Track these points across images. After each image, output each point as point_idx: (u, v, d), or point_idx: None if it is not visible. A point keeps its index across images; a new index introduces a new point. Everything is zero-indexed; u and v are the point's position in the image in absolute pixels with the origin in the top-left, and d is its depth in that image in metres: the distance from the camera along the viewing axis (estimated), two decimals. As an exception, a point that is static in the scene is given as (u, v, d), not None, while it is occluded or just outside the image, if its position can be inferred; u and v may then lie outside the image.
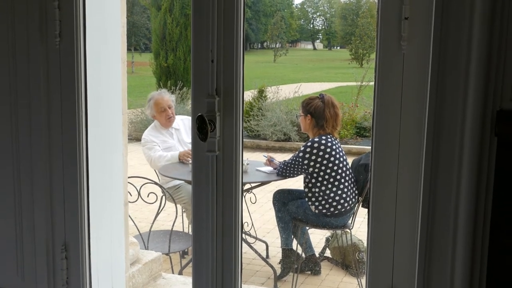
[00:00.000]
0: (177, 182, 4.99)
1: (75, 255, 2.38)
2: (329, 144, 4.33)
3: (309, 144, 4.36)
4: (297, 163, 4.41)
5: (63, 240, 2.39)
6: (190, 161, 4.77)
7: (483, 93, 1.73)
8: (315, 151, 4.31)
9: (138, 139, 8.01)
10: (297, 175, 4.54)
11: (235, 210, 2.18)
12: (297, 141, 9.91)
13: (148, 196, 4.14)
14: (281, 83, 13.01)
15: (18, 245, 2.46)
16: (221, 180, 2.18)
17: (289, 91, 11.56)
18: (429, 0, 1.81)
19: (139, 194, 3.99)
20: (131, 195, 3.66)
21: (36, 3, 2.28)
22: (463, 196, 1.80)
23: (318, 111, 4.45)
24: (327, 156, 4.31)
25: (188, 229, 5.11)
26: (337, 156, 4.35)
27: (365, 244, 4.73)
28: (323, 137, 4.36)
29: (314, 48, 39.76)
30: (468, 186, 1.79)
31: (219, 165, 2.17)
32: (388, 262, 2.02)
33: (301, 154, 4.37)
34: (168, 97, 5.38)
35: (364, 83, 11.45)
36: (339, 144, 4.48)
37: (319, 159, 4.31)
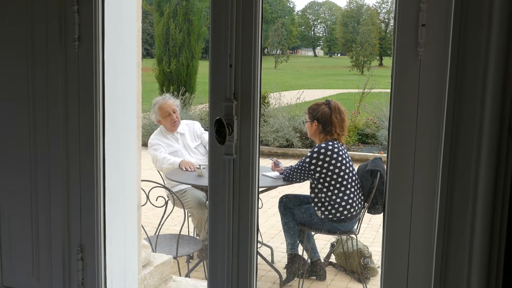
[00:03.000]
0: (183, 186, 5.01)
1: (91, 257, 2.40)
2: (336, 150, 4.36)
3: (315, 149, 4.39)
4: (303, 168, 4.43)
5: (79, 242, 2.41)
6: (189, 170, 4.90)
7: (501, 99, 1.75)
8: (321, 156, 4.34)
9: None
10: (304, 180, 4.56)
11: (251, 213, 2.20)
12: (299, 147, 9.94)
13: (156, 200, 4.17)
14: (282, 90, 13.03)
15: (34, 246, 2.48)
16: (237, 183, 2.20)
17: (291, 98, 11.59)
18: (447, 7, 1.84)
19: (147, 197, 4.01)
20: (140, 199, 3.68)
21: (56, 7, 2.31)
22: (480, 204, 1.82)
23: (325, 116, 4.47)
24: (333, 161, 4.34)
25: (194, 233, 5.13)
26: (344, 161, 4.38)
27: (371, 250, 4.78)
28: (330, 143, 4.38)
29: (315, 55, 39.84)
30: (485, 192, 1.81)
31: (236, 168, 2.19)
32: (403, 269, 2.03)
33: (307, 160, 4.39)
34: (172, 101, 5.40)
35: (366, 90, 11.48)
36: (345, 150, 4.51)
37: (325, 165, 4.33)
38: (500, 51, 1.74)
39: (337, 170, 4.34)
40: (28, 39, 2.36)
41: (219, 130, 2.10)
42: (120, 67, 2.48)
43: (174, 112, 5.29)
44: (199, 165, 4.88)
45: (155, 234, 4.45)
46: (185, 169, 4.99)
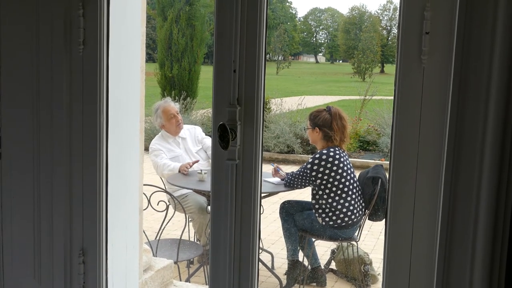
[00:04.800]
0: (184, 191, 5.02)
1: (93, 260, 2.40)
2: (337, 156, 4.37)
3: (317, 156, 4.40)
4: (305, 174, 4.43)
5: (81, 245, 2.41)
6: (188, 170, 4.94)
7: (505, 106, 1.76)
8: (323, 163, 4.34)
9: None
10: (305, 186, 4.57)
11: (253, 218, 2.21)
12: (300, 154, 9.94)
13: (158, 204, 4.17)
14: (284, 96, 13.06)
15: (36, 249, 2.48)
16: (240, 188, 2.20)
17: (292, 104, 11.61)
18: (451, 15, 1.84)
19: (149, 202, 4.02)
20: (141, 203, 3.68)
21: (61, 11, 2.31)
22: (482, 211, 1.82)
23: (325, 123, 4.48)
24: (335, 168, 4.34)
25: (194, 238, 5.13)
26: (345, 168, 4.39)
27: (371, 257, 4.78)
28: (331, 149, 4.39)
29: (317, 61, 39.91)
30: (488, 200, 1.81)
31: (239, 174, 2.20)
32: (404, 276, 2.03)
33: (309, 166, 4.40)
34: (173, 104, 5.43)
35: (367, 97, 11.49)
36: (347, 157, 4.52)
37: (327, 171, 4.34)
38: (504, 59, 1.74)
39: (338, 177, 4.34)
40: (33, 42, 2.37)
41: (222, 135, 2.10)
42: (124, 71, 2.49)
43: (177, 114, 5.32)
44: (201, 170, 4.90)
45: (156, 238, 4.45)
46: (185, 173, 5.00)
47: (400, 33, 1.95)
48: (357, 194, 4.44)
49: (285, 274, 4.71)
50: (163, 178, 5.25)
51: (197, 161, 5.15)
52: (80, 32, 2.30)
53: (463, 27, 1.80)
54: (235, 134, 2.14)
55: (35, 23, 2.36)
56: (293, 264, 4.64)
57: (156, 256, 4.00)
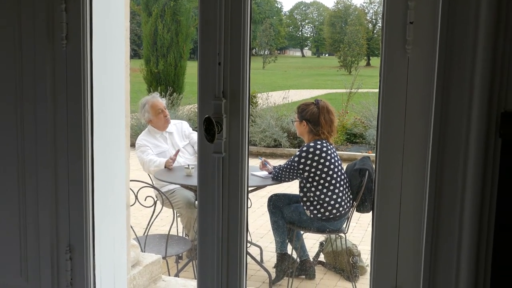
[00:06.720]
0: (172, 186, 5.01)
1: (80, 256, 2.38)
2: (324, 149, 4.37)
3: (304, 148, 4.40)
4: (292, 167, 4.44)
5: (67, 241, 2.40)
6: (173, 160, 4.94)
7: (488, 95, 1.77)
8: (310, 155, 4.35)
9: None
10: (293, 179, 4.57)
11: (241, 212, 2.20)
12: (287, 147, 9.95)
13: (145, 200, 4.16)
14: (270, 90, 13.06)
15: (22, 246, 2.46)
16: (227, 182, 2.20)
17: (278, 98, 11.61)
18: (434, 5, 1.85)
19: (136, 197, 4.00)
20: (128, 199, 3.66)
21: (43, 6, 2.29)
22: (468, 201, 1.83)
23: (313, 117, 4.48)
24: (322, 160, 4.35)
25: (183, 233, 5.12)
26: (332, 160, 4.39)
27: (359, 249, 4.80)
28: (318, 142, 4.39)
29: (303, 55, 39.86)
30: (473, 189, 1.82)
31: (225, 167, 2.19)
32: (392, 267, 2.04)
33: (296, 159, 4.40)
34: (161, 99, 5.41)
35: (353, 90, 11.51)
36: (334, 149, 4.52)
37: (314, 164, 4.34)
38: (488, 47, 1.75)
39: (325, 169, 4.35)
40: (16, 37, 2.34)
41: (208, 128, 2.10)
42: (108, 66, 2.47)
43: (165, 109, 5.31)
44: (188, 165, 4.88)
45: (144, 234, 4.44)
46: (170, 167, 4.99)
47: (384, 23, 1.95)
48: (344, 186, 4.45)
49: (274, 267, 4.72)
50: (151, 175, 5.23)
51: (178, 151, 5.13)
52: (63, 26, 2.28)
53: (446, 16, 1.80)
54: (221, 127, 2.13)
55: (17, 18, 2.33)
56: (282, 257, 4.65)
57: (144, 252, 3.99)
